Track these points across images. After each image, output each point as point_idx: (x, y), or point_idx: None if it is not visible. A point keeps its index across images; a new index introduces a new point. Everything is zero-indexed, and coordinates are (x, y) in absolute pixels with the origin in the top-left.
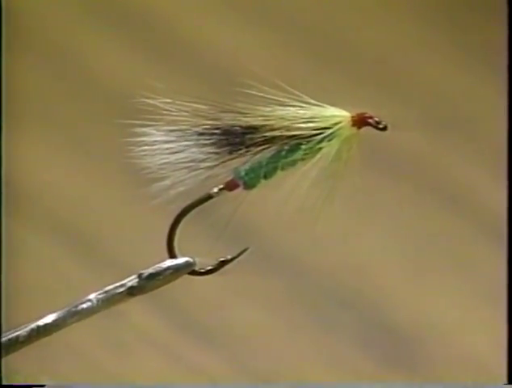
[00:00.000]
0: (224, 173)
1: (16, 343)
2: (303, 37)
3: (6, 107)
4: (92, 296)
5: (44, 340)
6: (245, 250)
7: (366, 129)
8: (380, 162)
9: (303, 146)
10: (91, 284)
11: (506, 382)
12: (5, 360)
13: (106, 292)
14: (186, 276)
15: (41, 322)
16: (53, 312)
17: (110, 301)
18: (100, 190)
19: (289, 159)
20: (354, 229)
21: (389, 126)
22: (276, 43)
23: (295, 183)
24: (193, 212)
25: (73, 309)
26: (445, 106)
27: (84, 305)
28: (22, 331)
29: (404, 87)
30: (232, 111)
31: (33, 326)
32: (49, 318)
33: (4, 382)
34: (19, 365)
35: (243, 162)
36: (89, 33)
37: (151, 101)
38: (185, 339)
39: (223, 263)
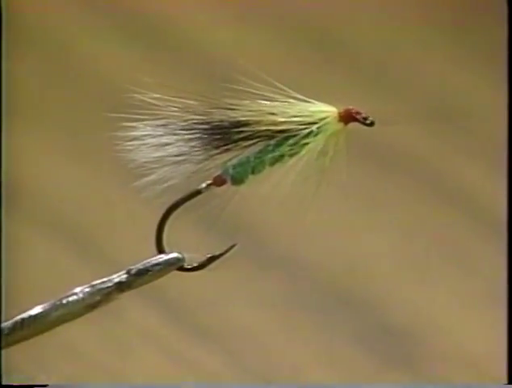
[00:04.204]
0: (214, 168)
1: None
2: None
3: (6, 106)
4: (78, 289)
5: (44, 340)
6: (232, 247)
7: (369, 128)
8: (380, 160)
9: (290, 141)
10: (90, 281)
11: (506, 382)
12: (5, 359)
13: (92, 286)
14: (186, 275)
15: (26, 315)
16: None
17: (96, 295)
18: (98, 187)
19: (276, 154)
20: (353, 227)
21: (377, 122)
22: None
23: (282, 178)
24: (182, 207)
25: (58, 303)
26: (445, 104)
27: (69, 299)
28: (6, 323)
29: (404, 86)
30: (220, 107)
31: (17, 318)
32: (34, 311)
33: (4, 382)
34: (19, 365)
35: (232, 156)
36: (87, 31)
37: (141, 96)
38: (185, 338)
39: (211, 260)
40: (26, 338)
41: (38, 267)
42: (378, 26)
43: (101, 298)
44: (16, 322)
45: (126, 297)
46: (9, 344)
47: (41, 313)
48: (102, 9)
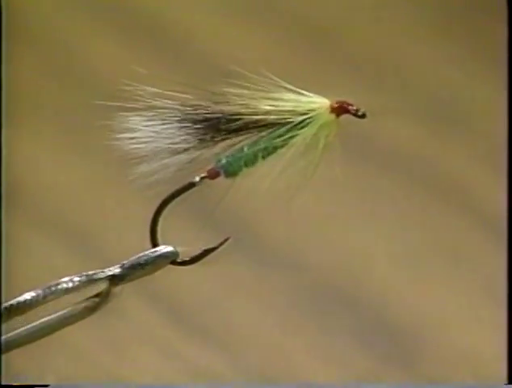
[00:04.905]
0: (208, 159)
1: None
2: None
3: (6, 106)
4: (66, 278)
5: (44, 340)
6: (226, 240)
7: (367, 125)
8: (379, 159)
9: (282, 132)
10: None
11: (506, 382)
12: (5, 359)
13: (83, 275)
14: (186, 275)
15: (14, 301)
16: (29, 291)
17: (87, 285)
18: (97, 184)
19: (269, 146)
20: (353, 226)
21: (369, 114)
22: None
23: (276, 170)
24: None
25: (47, 290)
26: (445, 104)
27: (58, 287)
28: None
29: (403, 86)
30: (213, 98)
31: (6, 304)
32: (23, 297)
33: (4, 382)
34: (19, 365)
35: (226, 148)
36: (86, 31)
37: (136, 88)
38: (185, 338)
39: (204, 253)
40: (28, 341)
41: (37, 265)
42: (376, 25)
43: (100, 300)
44: (5, 309)
45: (126, 298)
46: (9, 348)
47: (29, 299)
48: (101, 8)
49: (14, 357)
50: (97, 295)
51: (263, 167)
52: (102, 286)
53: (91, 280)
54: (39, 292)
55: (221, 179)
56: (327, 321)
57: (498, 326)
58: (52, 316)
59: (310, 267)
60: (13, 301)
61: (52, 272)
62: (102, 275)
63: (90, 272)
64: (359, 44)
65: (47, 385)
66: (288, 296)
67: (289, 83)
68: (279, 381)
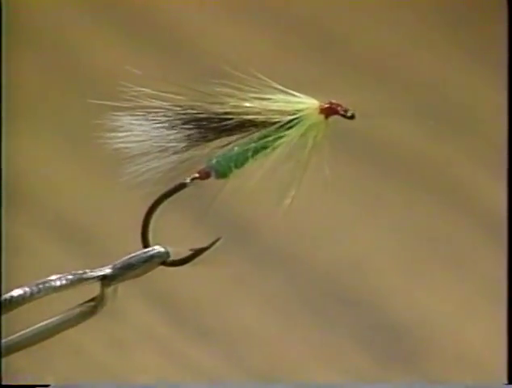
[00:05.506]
0: (200, 159)
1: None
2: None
3: (6, 106)
4: (54, 276)
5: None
6: (217, 241)
7: (367, 126)
8: (381, 161)
9: (271, 133)
10: None
11: (506, 382)
12: (6, 359)
13: (72, 274)
14: (186, 275)
15: (2, 298)
16: (19, 287)
17: (76, 284)
18: (95, 184)
19: (259, 146)
20: (353, 226)
21: (358, 115)
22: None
23: (266, 171)
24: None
25: (34, 288)
26: (445, 105)
27: (47, 285)
28: None
29: (404, 86)
30: (205, 98)
31: None
32: (9, 295)
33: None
34: (20, 365)
35: (217, 149)
36: (86, 31)
37: (132, 89)
38: (185, 338)
39: (195, 254)
40: (24, 346)
41: (37, 265)
42: (375, 25)
43: (95, 304)
44: None
45: (126, 298)
46: (7, 352)
47: (16, 297)
48: (101, 9)
49: (14, 357)
50: (92, 299)
51: (252, 167)
52: (95, 288)
53: (81, 280)
54: (27, 289)
55: (214, 180)
56: (328, 320)
57: (498, 327)
58: (48, 321)
59: (311, 267)
60: None
61: (52, 272)
62: (92, 275)
63: (80, 271)
64: (358, 45)
65: (47, 386)
66: (288, 295)
67: (284, 85)
68: (278, 381)
